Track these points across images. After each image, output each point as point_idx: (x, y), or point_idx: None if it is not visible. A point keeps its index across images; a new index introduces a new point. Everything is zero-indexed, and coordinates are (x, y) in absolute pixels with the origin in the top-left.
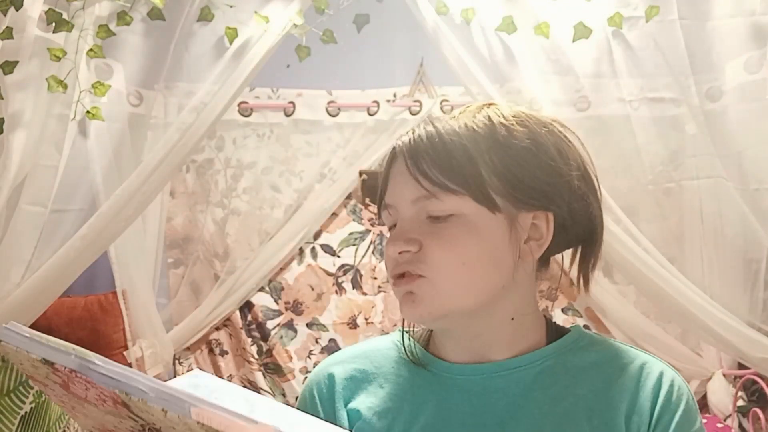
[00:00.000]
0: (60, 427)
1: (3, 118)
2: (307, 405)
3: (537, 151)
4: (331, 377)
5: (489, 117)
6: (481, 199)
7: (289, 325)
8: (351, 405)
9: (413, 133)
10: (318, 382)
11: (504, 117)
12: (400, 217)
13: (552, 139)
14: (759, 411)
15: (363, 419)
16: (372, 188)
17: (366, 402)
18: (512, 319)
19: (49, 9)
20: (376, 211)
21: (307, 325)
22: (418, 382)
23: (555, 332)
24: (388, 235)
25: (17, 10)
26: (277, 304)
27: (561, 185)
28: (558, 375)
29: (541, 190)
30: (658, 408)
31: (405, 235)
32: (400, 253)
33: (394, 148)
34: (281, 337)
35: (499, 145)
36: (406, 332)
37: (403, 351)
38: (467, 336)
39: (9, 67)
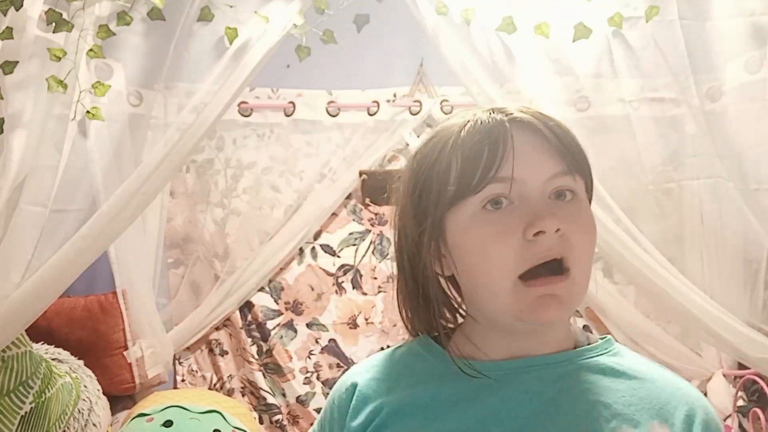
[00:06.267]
0: (60, 427)
1: (3, 118)
2: (326, 412)
3: None
4: (354, 385)
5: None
6: (588, 188)
7: (289, 325)
8: (376, 403)
9: (526, 111)
10: (339, 390)
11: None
12: (526, 194)
13: None
14: (759, 411)
15: (387, 416)
16: (372, 188)
17: (393, 400)
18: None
19: (49, 9)
20: (376, 210)
21: (307, 325)
22: (448, 385)
23: (584, 337)
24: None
25: (17, 10)
26: (277, 304)
27: None
28: (584, 376)
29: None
30: None
31: (553, 212)
32: (557, 231)
33: (508, 121)
34: (281, 337)
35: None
36: (432, 337)
37: (445, 356)
38: (527, 333)
39: (9, 67)
